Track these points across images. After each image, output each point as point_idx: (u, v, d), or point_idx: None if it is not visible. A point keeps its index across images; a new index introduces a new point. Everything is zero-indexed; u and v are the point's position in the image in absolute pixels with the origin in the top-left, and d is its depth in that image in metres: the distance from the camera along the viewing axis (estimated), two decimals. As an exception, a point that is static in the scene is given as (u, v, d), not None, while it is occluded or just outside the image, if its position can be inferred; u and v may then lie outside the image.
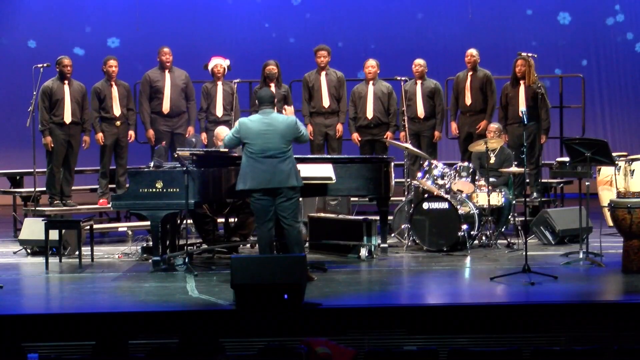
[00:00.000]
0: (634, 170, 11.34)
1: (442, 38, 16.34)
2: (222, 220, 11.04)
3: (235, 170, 10.02)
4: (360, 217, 10.86)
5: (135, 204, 9.87)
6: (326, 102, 12.38)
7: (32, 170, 12.19)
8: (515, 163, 10.95)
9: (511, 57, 12.47)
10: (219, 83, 12.38)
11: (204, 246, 10.77)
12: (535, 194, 12.31)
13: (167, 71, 12.39)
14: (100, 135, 12.19)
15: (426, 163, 11.30)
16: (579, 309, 7.84)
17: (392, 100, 12.35)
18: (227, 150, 10.44)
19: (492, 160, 11.24)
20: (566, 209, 11.60)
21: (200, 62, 12.61)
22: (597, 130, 16.17)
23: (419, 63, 12.35)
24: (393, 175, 10.64)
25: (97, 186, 12.59)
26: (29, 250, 11.06)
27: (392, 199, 10.76)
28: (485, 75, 12.32)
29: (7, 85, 15.91)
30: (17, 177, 13.17)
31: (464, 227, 10.66)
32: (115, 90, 12.16)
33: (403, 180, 11.57)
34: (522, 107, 11.61)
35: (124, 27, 16.29)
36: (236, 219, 10.92)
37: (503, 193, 11.20)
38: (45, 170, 12.15)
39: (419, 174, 11.26)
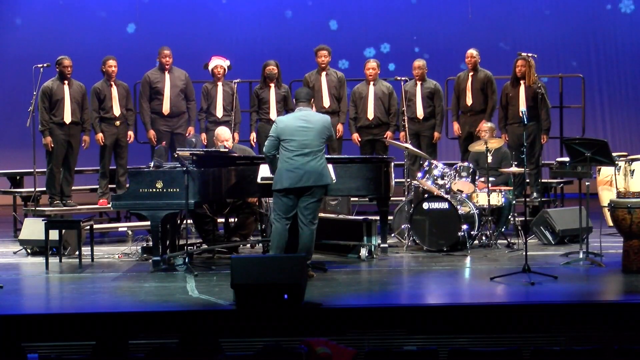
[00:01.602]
0: (634, 170, 11.34)
1: (442, 38, 16.34)
2: (222, 220, 11.05)
3: (235, 170, 10.04)
4: (360, 217, 10.86)
5: (135, 204, 9.87)
6: (326, 102, 12.38)
7: (32, 170, 12.20)
8: (515, 163, 10.95)
9: (511, 57, 12.47)
10: (219, 84, 12.38)
11: (204, 246, 10.77)
12: (535, 194, 12.32)
13: (166, 72, 12.39)
14: (100, 135, 12.19)
15: (426, 163, 11.30)
16: (579, 309, 7.84)
17: (393, 100, 12.35)
18: (227, 150, 10.47)
19: (490, 160, 11.23)
20: (566, 209, 11.60)
21: (200, 62, 12.62)
22: (597, 130, 16.17)
23: (419, 65, 12.35)
24: (393, 175, 10.64)
25: (97, 186, 12.59)
26: (29, 250, 11.06)
27: (392, 199, 10.75)
28: (486, 75, 12.32)
29: (7, 85, 15.90)
30: (17, 177, 13.17)
31: (464, 227, 10.66)
32: (115, 91, 12.17)
33: (403, 180, 11.57)
34: (523, 107, 11.62)
35: (124, 26, 16.28)
36: (236, 219, 10.92)
37: (503, 193, 11.20)
38: (45, 170, 12.15)
39: (419, 174, 11.26)
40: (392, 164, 10.63)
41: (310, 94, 9.49)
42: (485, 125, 11.59)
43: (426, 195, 11.02)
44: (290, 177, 9.03)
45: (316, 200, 9.14)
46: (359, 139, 12.41)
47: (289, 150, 9.04)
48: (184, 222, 10.28)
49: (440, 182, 11.06)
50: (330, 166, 10.06)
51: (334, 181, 9.98)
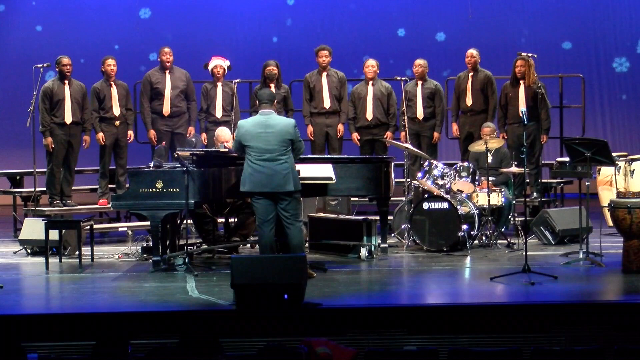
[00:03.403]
0: (634, 170, 11.34)
1: (442, 38, 16.33)
2: (222, 220, 11.05)
3: (235, 170, 10.04)
4: (360, 217, 10.86)
5: (135, 204, 9.87)
6: (327, 103, 12.37)
7: (32, 170, 12.20)
8: (515, 163, 10.95)
9: (511, 57, 12.47)
10: (219, 84, 12.38)
11: (204, 246, 10.77)
12: (535, 194, 12.32)
13: (167, 72, 12.38)
14: (100, 135, 12.19)
15: (426, 163, 11.30)
16: (579, 309, 7.84)
17: (392, 100, 12.35)
18: (227, 150, 10.47)
19: (490, 160, 11.22)
20: (566, 209, 11.60)
21: (200, 62, 12.62)
22: (597, 130, 16.17)
23: (420, 64, 12.34)
24: (393, 175, 10.64)
25: (97, 186, 12.59)
26: (29, 250, 11.06)
27: (392, 199, 10.76)
28: (486, 75, 12.32)
29: (7, 85, 15.90)
30: (17, 177, 13.17)
31: (464, 227, 10.66)
32: (114, 90, 12.16)
33: (403, 180, 11.57)
34: (522, 107, 11.61)
35: (125, 27, 16.28)
36: (236, 219, 10.93)
37: (503, 193, 11.20)
38: (45, 170, 12.15)
39: (419, 174, 11.26)
40: (392, 164, 10.64)
41: (273, 96, 9.43)
42: (487, 129, 11.52)
43: (426, 195, 11.02)
44: (252, 181, 9.03)
45: (291, 201, 9.10)
46: (358, 138, 12.41)
47: (251, 155, 9.05)
48: (184, 222, 10.28)
49: (440, 182, 11.07)
50: (330, 166, 10.08)
51: (334, 181, 9.98)
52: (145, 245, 10.75)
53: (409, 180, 11.42)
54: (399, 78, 12.32)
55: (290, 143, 9.08)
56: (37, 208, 12.04)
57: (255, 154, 9.02)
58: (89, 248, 10.54)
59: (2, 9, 16.42)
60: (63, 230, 10.54)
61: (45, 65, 12.01)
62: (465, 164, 11.23)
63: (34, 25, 16.30)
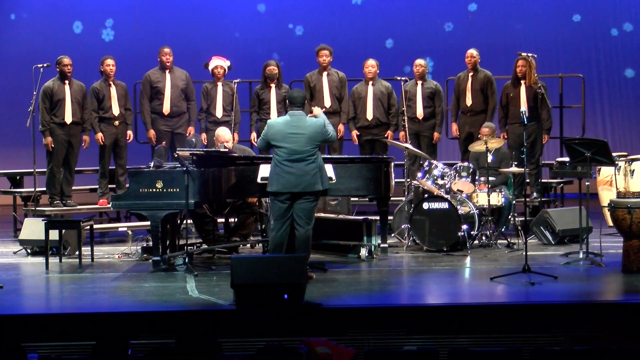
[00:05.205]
0: (634, 170, 11.34)
1: (442, 38, 16.34)
2: (222, 220, 11.05)
3: (235, 170, 10.05)
4: (360, 217, 10.86)
5: (135, 204, 9.88)
6: (328, 103, 12.37)
7: (32, 170, 12.20)
8: (515, 163, 10.94)
9: (511, 57, 12.47)
10: (219, 84, 12.38)
11: (204, 246, 10.77)
12: (535, 194, 12.32)
13: (167, 72, 12.38)
14: (100, 135, 12.19)
15: (426, 163, 11.31)
16: (579, 309, 7.84)
17: (392, 99, 12.35)
18: (227, 150, 10.47)
19: (490, 160, 11.22)
20: (566, 209, 11.60)
21: (200, 62, 12.61)
22: (597, 130, 16.17)
23: (420, 63, 12.35)
24: (393, 175, 10.63)
25: (97, 186, 12.59)
26: (29, 250, 11.06)
27: (392, 199, 10.75)
28: (486, 76, 12.31)
29: (7, 85, 15.90)
30: (17, 177, 13.17)
31: (464, 227, 10.66)
32: (113, 90, 12.16)
33: (403, 180, 11.57)
34: (523, 107, 11.61)
35: (123, 27, 16.28)
36: (236, 219, 10.93)
37: (503, 193, 11.20)
38: (45, 170, 12.15)
39: (419, 174, 11.27)
40: (392, 164, 10.63)
41: (305, 98, 9.46)
42: (485, 129, 11.51)
43: (426, 195, 11.02)
44: (279, 182, 9.04)
45: (310, 202, 9.10)
46: (357, 134, 12.39)
47: (279, 155, 9.06)
48: (184, 222, 10.28)
49: (440, 182, 11.07)
50: (330, 166, 10.07)
51: (333, 181, 9.98)
52: (145, 245, 10.75)
53: (409, 180, 11.42)
54: (399, 78, 12.32)
55: (321, 142, 9.18)
56: (37, 208, 12.04)
57: (284, 154, 9.03)
58: (89, 248, 10.54)
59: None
60: (63, 230, 10.54)
61: (45, 65, 12.00)
62: (465, 164, 11.23)
63: (33, 24, 16.31)
